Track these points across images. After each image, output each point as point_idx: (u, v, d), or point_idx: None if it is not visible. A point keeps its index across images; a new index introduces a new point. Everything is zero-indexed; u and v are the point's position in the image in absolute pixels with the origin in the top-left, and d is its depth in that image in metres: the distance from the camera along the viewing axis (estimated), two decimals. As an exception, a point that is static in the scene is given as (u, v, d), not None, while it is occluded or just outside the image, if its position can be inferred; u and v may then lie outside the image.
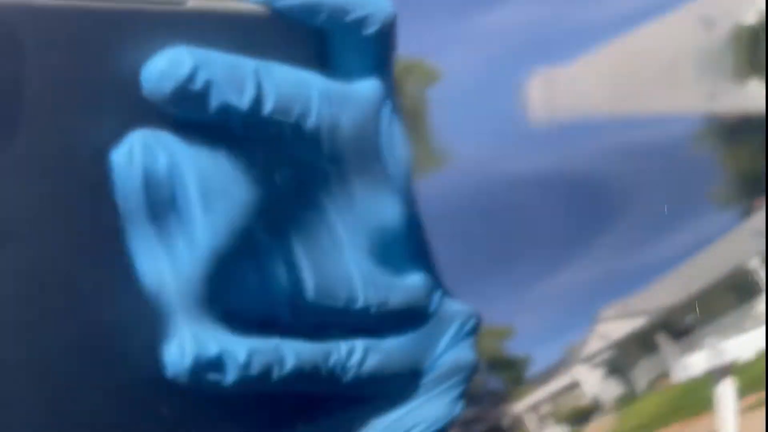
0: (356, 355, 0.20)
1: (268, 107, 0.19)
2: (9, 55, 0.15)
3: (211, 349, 0.17)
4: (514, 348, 1.16)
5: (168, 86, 0.17)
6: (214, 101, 0.18)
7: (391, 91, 0.22)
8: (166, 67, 0.18)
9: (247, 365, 0.17)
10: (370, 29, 0.22)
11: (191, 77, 0.18)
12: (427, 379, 0.22)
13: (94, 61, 0.16)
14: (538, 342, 1.33)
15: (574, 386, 1.98)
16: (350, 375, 0.19)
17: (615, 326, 1.66)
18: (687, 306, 1.48)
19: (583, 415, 1.95)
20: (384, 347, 0.21)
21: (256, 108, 0.19)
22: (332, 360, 0.19)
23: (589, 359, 1.82)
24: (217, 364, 0.17)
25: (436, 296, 0.22)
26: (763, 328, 0.60)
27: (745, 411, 0.53)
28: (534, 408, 1.88)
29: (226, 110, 0.18)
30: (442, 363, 0.23)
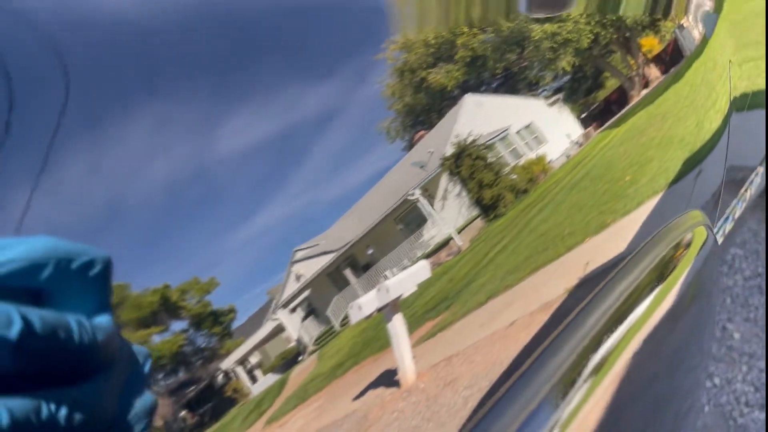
0: None
1: (38, 327, 0.20)
2: None
3: None
4: (217, 301, 1.09)
5: None
6: None
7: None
8: None
9: None
10: (96, 269, 0.23)
11: None
12: None
13: None
14: (240, 291, 1.25)
15: (278, 332, 1.94)
16: None
17: (307, 266, 1.70)
18: (365, 241, 1.63)
19: (290, 359, 1.93)
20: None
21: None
22: None
23: (288, 303, 1.82)
24: None
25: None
26: (425, 261, 0.69)
27: (417, 343, 0.62)
28: (243, 360, 1.77)
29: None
30: None
